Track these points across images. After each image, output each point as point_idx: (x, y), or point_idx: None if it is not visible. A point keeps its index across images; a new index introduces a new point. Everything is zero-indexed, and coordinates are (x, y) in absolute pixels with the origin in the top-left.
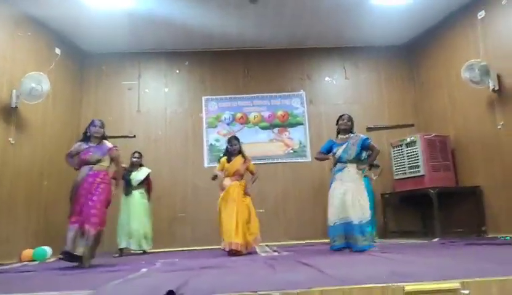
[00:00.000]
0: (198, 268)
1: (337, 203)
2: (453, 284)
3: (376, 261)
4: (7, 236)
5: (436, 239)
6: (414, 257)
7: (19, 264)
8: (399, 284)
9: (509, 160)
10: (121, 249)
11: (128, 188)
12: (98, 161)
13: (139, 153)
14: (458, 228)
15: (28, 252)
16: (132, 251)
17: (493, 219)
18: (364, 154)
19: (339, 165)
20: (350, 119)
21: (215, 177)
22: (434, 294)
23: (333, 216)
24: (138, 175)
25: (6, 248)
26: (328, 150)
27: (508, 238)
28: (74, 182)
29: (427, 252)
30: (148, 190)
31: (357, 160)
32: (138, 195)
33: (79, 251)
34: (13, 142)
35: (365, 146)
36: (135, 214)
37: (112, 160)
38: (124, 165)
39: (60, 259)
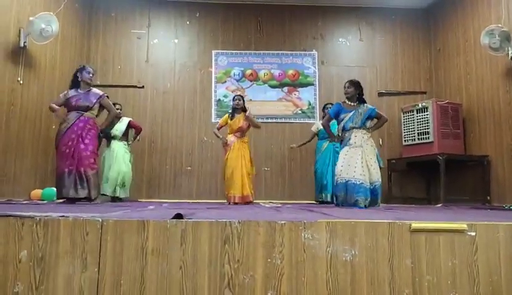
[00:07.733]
0: (205, 208)
1: (349, 162)
2: (461, 225)
3: (381, 212)
4: (15, 175)
5: (439, 205)
6: (419, 211)
7: (28, 201)
8: (405, 221)
9: None
10: (102, 195)
11: (109, 140)
12: (87, 108)
13: (120, 104)
14: (463, 196)
15: (36, 192)
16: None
17: (498, 188)
18: (369, 123)
19: (344, 135)
20: (352, 85)
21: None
22: (440, 232)
23: (343, 173)
24: (121, 126)
25: (15, 187)
26: (336, 114)
27: None
28: (61, 127)
29: (432, 211)
30: (137, 133)
31: (361, 127)
32: (122, 146)
33: (83, 193)
34: (21, 82)
35: (371, 116)
36: (116, 164)
37: (103, 108)
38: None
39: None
